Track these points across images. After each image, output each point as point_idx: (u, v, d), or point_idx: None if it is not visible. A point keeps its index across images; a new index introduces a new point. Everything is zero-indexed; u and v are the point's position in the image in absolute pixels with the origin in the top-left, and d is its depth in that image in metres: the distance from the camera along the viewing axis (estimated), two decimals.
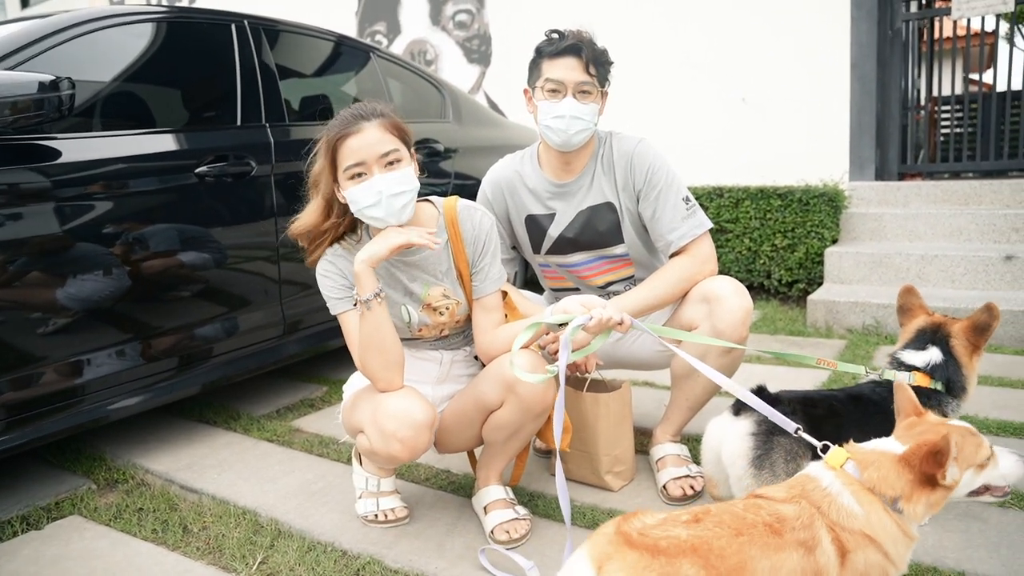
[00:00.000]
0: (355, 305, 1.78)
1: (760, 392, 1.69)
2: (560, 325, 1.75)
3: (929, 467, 1.25)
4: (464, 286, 1.92)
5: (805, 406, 1.65)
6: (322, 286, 1.88)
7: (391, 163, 1.73)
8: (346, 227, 1.87)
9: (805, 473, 1.31)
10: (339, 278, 1.86)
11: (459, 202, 1.93)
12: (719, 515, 1.16)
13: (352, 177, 1.72)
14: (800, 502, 1.23)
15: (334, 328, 3.09)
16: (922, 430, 1.34)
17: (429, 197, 1.96)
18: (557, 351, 1.99)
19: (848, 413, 1.69)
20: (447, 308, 1.91)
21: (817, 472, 1.30)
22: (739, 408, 1.70)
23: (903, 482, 1.27)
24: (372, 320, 1.75)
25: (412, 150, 1.81)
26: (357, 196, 1.72)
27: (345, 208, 1.81)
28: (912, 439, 1.32)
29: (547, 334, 1.96)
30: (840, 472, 1.29)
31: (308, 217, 1.84)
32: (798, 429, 1.50)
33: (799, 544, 1.16)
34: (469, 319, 1.97)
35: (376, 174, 1.71)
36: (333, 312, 1.89)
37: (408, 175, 1.75)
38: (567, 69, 2.03)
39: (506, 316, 1.98)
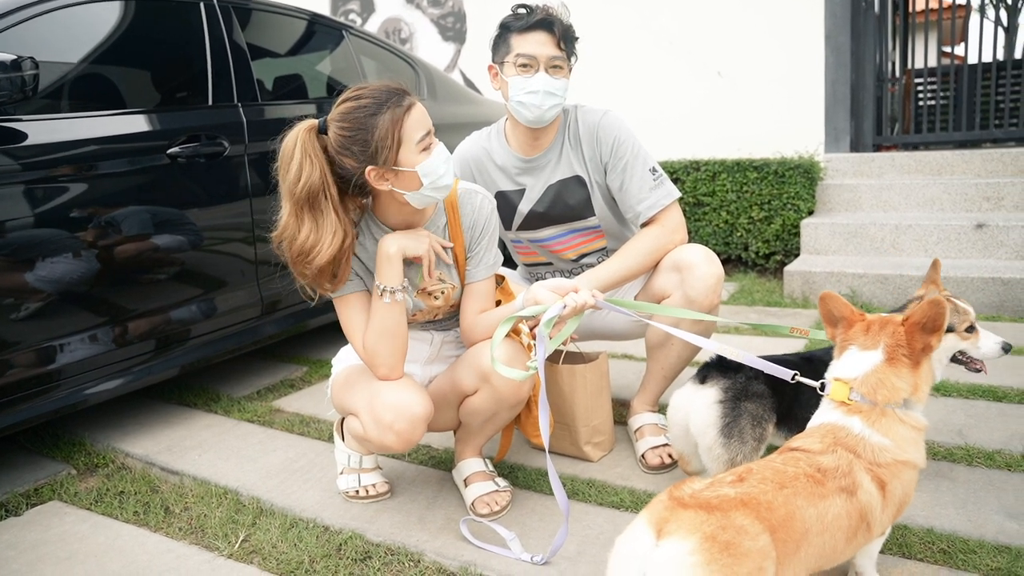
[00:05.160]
0: (382, 294, 1.73)
1: (720, 361, 1.71)
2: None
3: (924, 337, 1.34)
4: (459, 270, 1.90)
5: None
6: None
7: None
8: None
9: (832, 422, 1.37)
10: None
11: (460, 184, 1.90)
12: (761, 472, 1.23)
13: (424, 148, 1.68)
14: (836, 450, 1.30)
15: (312, 308, 3.08)
16: (881, 324, 1.40)
17: None
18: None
19: (803, 374, 1.70)
20: (442, 292, 1.90)
21: (843, 420, 1.36)
22: (704, 376, 1.72)
23: (904, 379, 1.35)
24: (395, 309, 1.74)
25: None
26: (434, 166, 1.67)
27: (357, 205, 1.79)
28: (882, 337, 1.38)
29: (523, 323, 1.96)
30: (864, 415, 1.34)
31: (329, 240, 1.64)
32: (795, 375, 1.55)
33: (841, 490, 1.25)
34: None
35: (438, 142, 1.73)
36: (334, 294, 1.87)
37: None
38: (539, 44, 2.02)
39: (499, 302, 1.97)
